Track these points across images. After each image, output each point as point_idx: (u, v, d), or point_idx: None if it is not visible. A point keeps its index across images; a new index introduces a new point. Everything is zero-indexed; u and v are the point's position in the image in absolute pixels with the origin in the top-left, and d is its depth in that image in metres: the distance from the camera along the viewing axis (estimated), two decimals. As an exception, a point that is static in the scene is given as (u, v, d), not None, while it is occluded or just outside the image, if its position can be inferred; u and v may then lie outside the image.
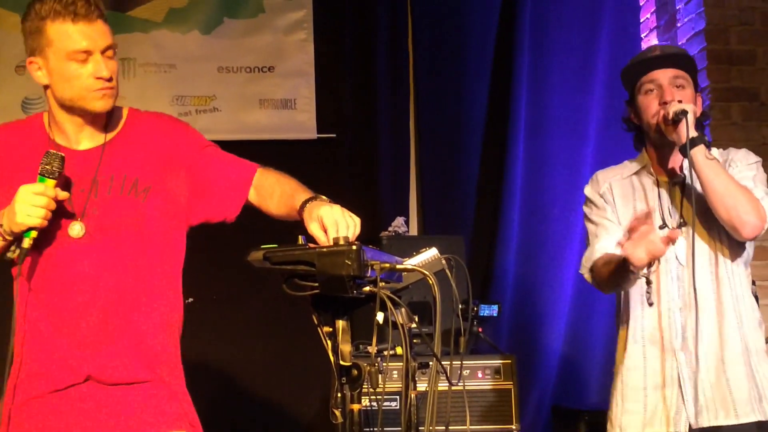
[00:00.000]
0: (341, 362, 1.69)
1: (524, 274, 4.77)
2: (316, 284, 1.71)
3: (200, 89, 4.76)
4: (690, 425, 2.50)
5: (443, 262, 1.90)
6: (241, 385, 4.54)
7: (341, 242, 1.75)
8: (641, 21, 4.99)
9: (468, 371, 3.58)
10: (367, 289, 1.67)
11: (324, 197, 2.10)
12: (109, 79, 2.19)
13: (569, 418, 4.17)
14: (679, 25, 4.60)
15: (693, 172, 2.49)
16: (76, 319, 2.18)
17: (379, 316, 1.64)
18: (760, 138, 4.38)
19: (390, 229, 4.33)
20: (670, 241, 2.35)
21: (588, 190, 2.78)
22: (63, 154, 2.12)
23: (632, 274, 2.45)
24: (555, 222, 4.79)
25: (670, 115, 2.51)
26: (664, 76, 2.61)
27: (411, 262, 1.90)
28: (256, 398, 4.60)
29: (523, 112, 4.86)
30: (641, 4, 4.99)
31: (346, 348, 1.70)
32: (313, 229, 1.96)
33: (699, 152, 2.48)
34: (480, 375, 3.62)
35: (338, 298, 1.68)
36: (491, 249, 4.80)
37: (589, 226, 2.75)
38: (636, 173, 2.71)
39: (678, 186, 2.63)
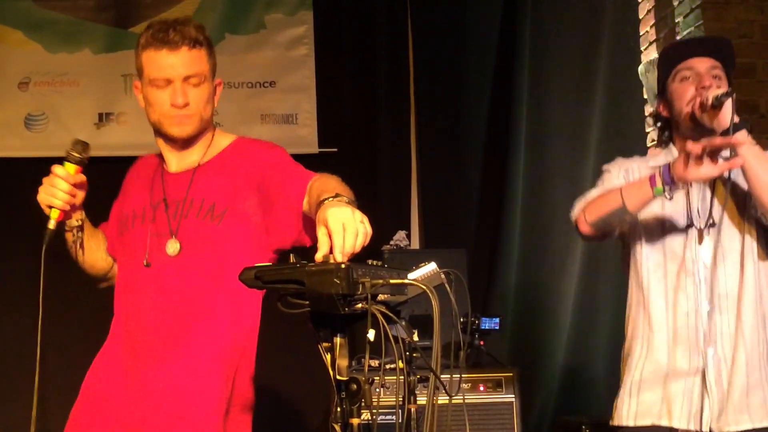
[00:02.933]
0: (338, 377, 1.69)
1: (526, 286, 4.78)
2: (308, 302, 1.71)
3: (202, 104, 4.78)
4: (711, 428, 2.40)
5: (442, 276, 1.91)
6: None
7: (331, 261, 1.72)
8: (641, 34, 5.00)
9: (469, 384, 3.58)
10: (359, 306, 1.66)
11: (345, 197, 1.95)
12: (185, 106, 2.28)
13: (571, 431, 4.17)
14: (678, 38, 4.61)
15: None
16: (138, 347, 2.26)
17: (370, 334, 1.63)
18: (760, 150, 4.38)
19: (392, 242, 4.34)
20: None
21: (607, 165, 2.67)
22: (87, 142, 2.27)
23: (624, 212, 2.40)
24: (556, 235, 4.80)
25: (710, 100, 2.36)
26: (702, 64, 2.49)
27: (410, 277, 1.90)
28: (257, 412, 4.59)
29: (524, 125, 4.87)
30: (641, 18, 5.01)
31: (343, 363, 1.70)
32: (319, 234, 1.80)
33: (742, 137, 2.31)
34: (482, 388, 3.62)
35: (335, 314, 1.68)
36: (493, 262, 4.81)
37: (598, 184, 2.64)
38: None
39: (709, 183, 2.49)
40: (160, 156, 2.44)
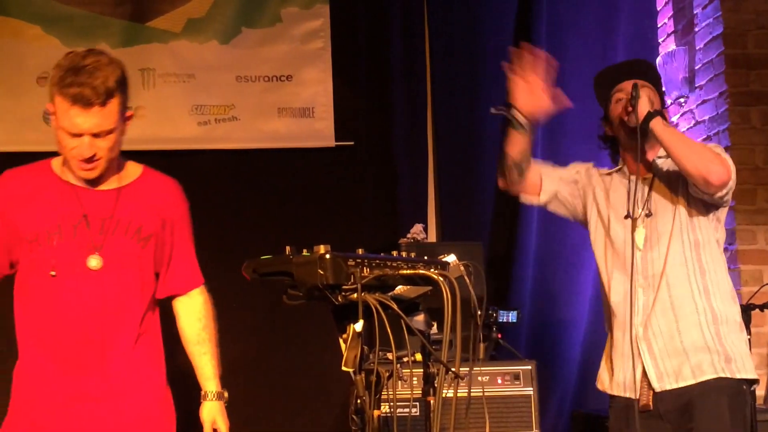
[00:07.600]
0: (343, 368, 1.68)
1: (543, 279, 4.77)
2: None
3: (219, 98, 4.79)
4: (654, 390, 2.72)
5: (461, 268, 1.90)
6: (261, 391, 4.55)
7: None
8: (658, 26, 4.98)
9: (487, 377, 3.58)
10: (354, 296, 1.63)
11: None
12: (90, 159, 2.29)
13: (589, 424, 4.16)
14: (696, 29, 4.59)
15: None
16: (65, 356, 2.31)
17: (358, 325, 1.62)
18: (780, 142, 4.35)
19: (409, 236, 4.34)
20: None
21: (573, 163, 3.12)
22: None
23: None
24: (573, 227, 4.75)
25: (629, 97, 2.78)
26: (629, 85, 2.85)
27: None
28: (275, 404, 4.61)
29: (540, 118, 4.85)
30: (658, 9, 4.98)
31: (351, 354, 1.67)
32: None
33: (657, 123, 2.73)
34: (500, 381, 3.61)
35: (352, 306, 1.67)
36: (510, 255, 4.80)
37: None
38: (613, 172, 3.00)
39: (647, 181, 2.87)
40: (55, 173, 2.44)
